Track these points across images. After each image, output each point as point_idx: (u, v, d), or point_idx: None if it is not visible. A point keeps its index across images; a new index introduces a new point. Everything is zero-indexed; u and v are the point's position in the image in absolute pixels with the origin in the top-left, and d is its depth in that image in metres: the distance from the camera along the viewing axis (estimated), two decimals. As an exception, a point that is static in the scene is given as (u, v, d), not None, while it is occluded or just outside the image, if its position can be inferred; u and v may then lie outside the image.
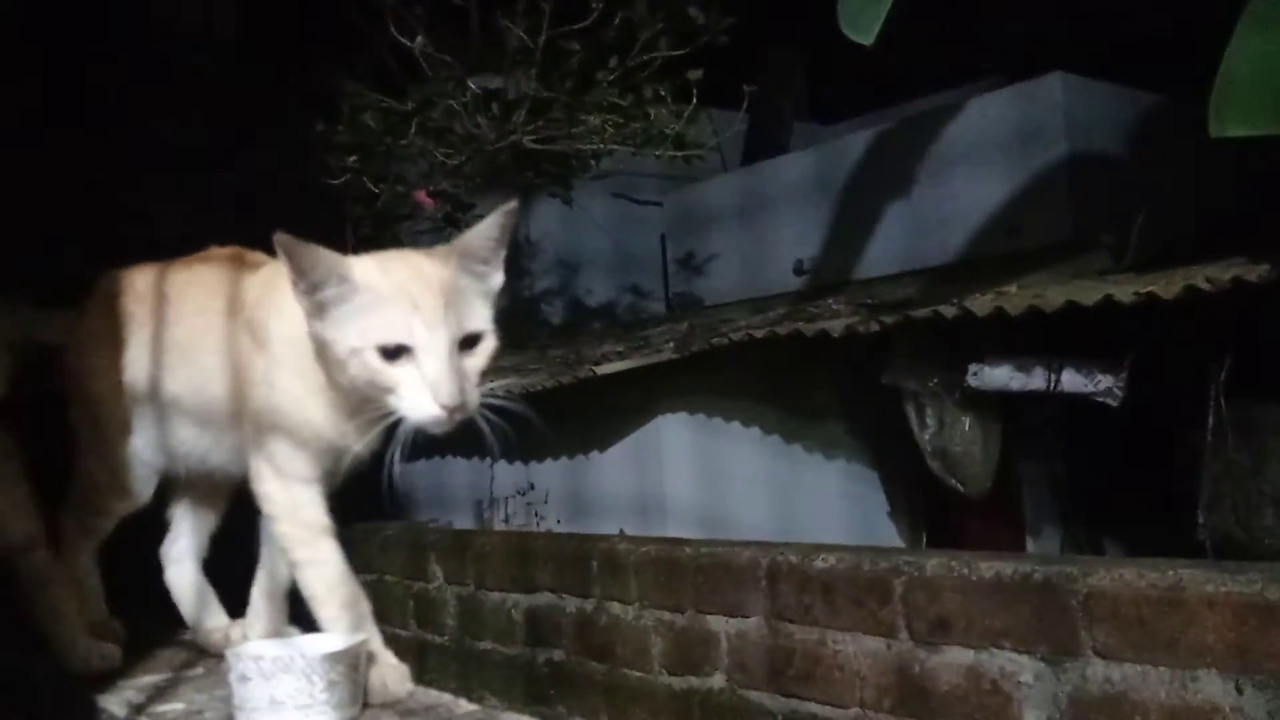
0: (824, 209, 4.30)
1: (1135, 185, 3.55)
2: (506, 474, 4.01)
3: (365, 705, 1.13)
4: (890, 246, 4.10)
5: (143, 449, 1.50)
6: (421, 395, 1.19)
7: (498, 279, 1.34)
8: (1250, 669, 1.71)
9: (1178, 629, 1.77)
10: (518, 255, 4.58)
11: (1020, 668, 1.93)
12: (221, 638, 1.52)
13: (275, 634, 1.33)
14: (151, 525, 1.50)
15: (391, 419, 1.23)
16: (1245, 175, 3.08)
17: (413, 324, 1.20)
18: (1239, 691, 1.72)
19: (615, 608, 2.60)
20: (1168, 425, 3.02)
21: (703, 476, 3.62)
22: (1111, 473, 3.34)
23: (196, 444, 1.47)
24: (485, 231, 1.30)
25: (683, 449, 3.63)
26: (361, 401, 1.24)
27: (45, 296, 1.63)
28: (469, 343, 1.26)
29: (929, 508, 3.75)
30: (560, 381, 3.39)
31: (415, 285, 1.22)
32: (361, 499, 1.34)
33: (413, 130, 2.85)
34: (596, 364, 3.39)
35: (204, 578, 1.59)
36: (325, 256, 1.22)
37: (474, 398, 1.23)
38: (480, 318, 1.28)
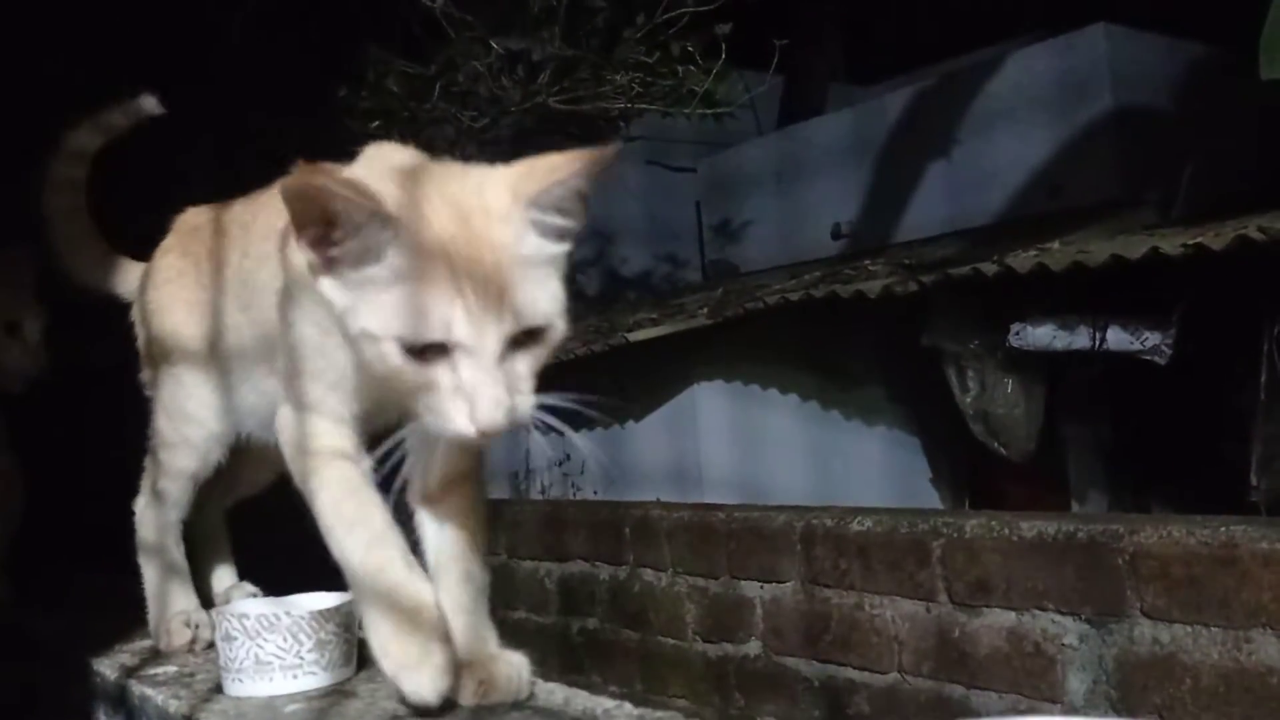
0: (862, 171, 4.21)
1: (1183, 138, 3.42)
2: (543, 445, 3.97)
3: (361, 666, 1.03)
4: (930, 208, 4.00)
5: (209, 401, 1.27)
6: (453, 408, 0.88)
7: (577, 230, 0.95)
8: (1308, 629, 1.64)
9: (1230, 588, 1.70)
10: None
11: (1064, 630, 1.87)
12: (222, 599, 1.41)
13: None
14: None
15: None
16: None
17: (453, 316, 0.87)
18: (1296, 652, 1.65)
19: (648, 575, 2.56)
20: (1218, 385, 2.92)
21: (740, 444, 3.57)
22: (1159, 435, 3.24)
23: (261, 399, 1.20)
24: (569, 178, 0.90)
25: (719, 417, 3.58)
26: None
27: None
28: (528, 336, 0.91)
29: (971, 473, 3.67)
30: (593, 349, 3.34)
31: (463, 253, 0.87)
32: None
33: (436, 94, 2.80)
34: (629, 331, 3.33)
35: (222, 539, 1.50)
36: (359, 194, 0.87)
37: (524, 408, 0.90)
38: (547, 300, 0.91)
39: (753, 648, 2.35)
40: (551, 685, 0.94)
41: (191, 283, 1.31)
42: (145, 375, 1.38)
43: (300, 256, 0.94)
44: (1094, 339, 2.87)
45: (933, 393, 3.36)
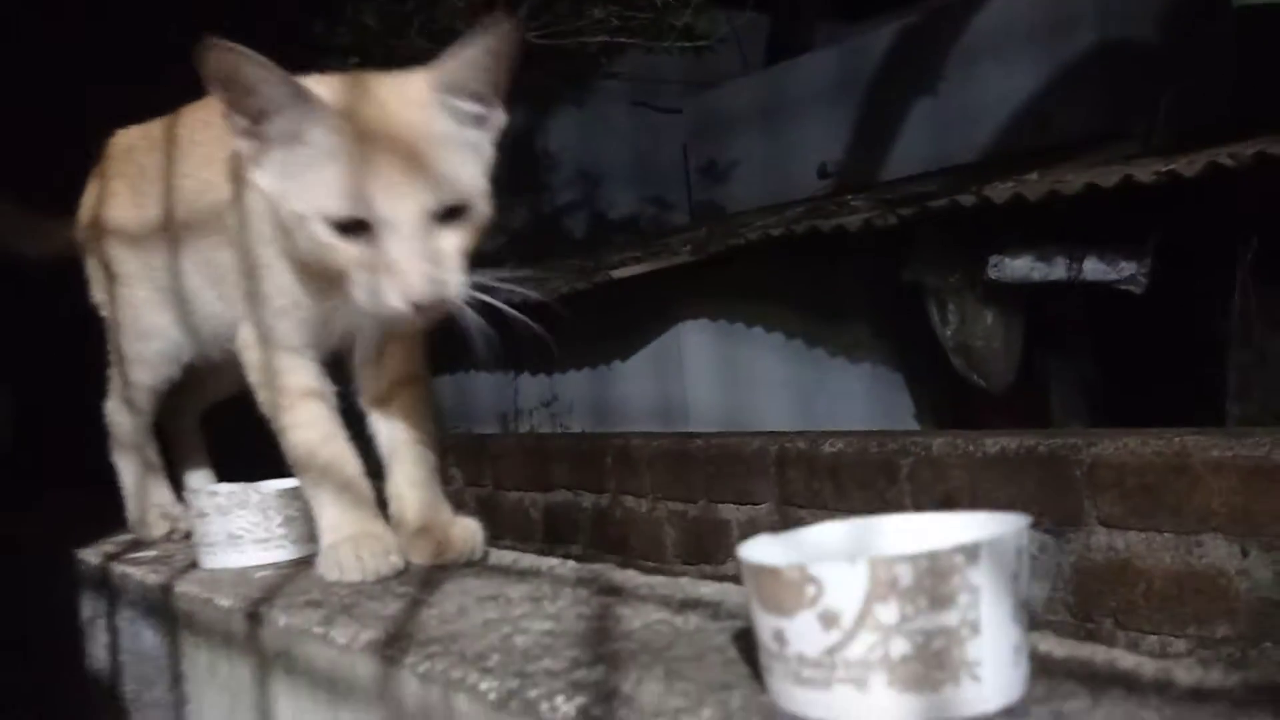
0: (848, 110, 4.24)
1: (1168, 69, 3.46)
2: (531, 386, 4.05)
3: None
4: (917, 145, 4.04)
5: (159, 319, 1.33)
6: (384, 284, 0.93)
7: (495, 119, 1.02)
8: (1256, 531, 1.72)
9: (1182, 495, 1.78)
10: (537, 168, 4.57)
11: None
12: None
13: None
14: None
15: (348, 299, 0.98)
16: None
17: (371, 191, 0.92)
18: (1244, 554, 1.73)
19: (629, 501, 2.65)
20: (1195, 313, 2.98)
21: (725, 382, 3.64)
22: (1139, 364, 3.31)
23: (207, 320, 1.24)
24: (471, 56, 0.96)
25: (704, 355, 3.64)
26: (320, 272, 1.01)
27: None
28: (451, 214, 0.96)
29: (954, 407, 3.74)
30: (575, 287, 3.40)
31: (381, 133, 0.94)
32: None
33: (414, 30, 2.84)
34: (613, 269, 3.40)
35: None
36: (277, 74, 0.93)
37: (455, 286, 0.94)
38: (467, 178, 0.97)
39: (730, 568, 2.43)
40: (503, 550, 1.02)
41: (129, 204, 1.35)
42: (98, 297, 1.43)
43: (250, 174, 1.01)
44: (1071, 270, 2.93)
45: (915, 328, 3.43)
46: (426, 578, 0.93)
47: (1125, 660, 0.53)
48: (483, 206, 0.99)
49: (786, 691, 0.51)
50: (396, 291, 0.92)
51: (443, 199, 0.94)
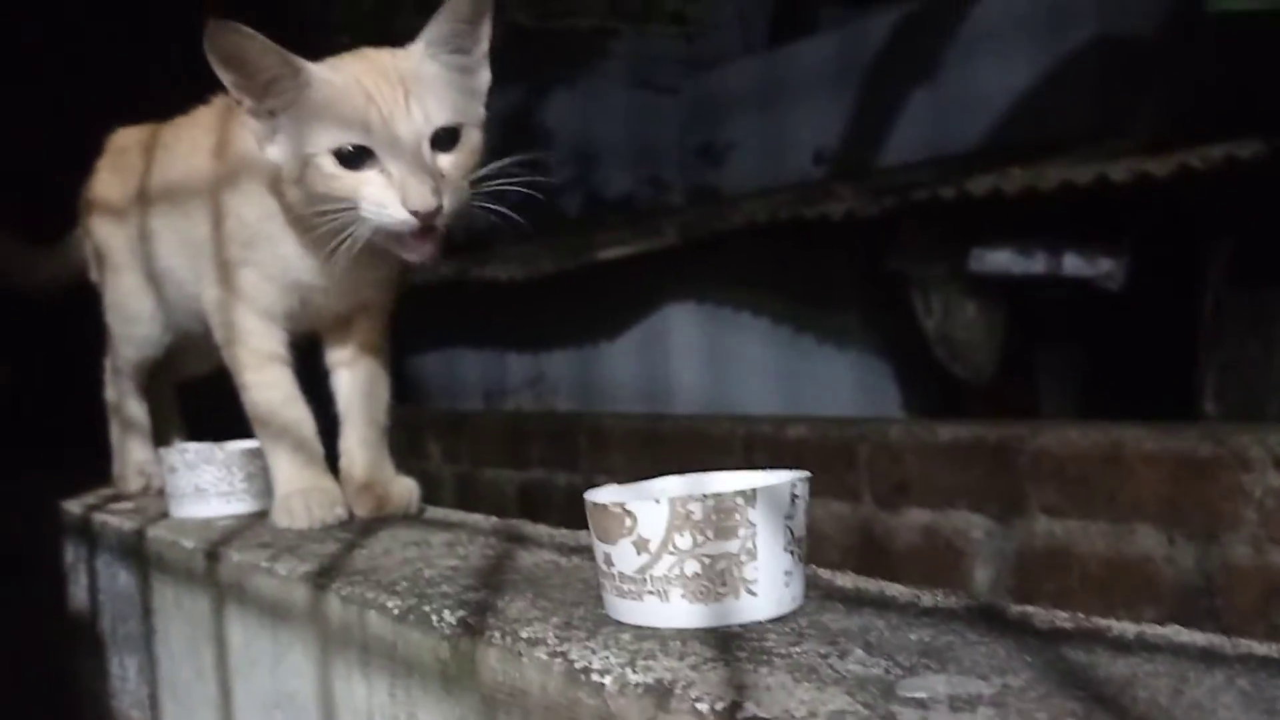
0: (846, 96, 4.37)
1: (1167, 67, 3.58)
2: (517, 364, 4.21)
3: None
4: (913, 134, 4.17)
5: (145, 304, 1.51)
6: (388, 197, 1.08)
7: (482, 77, 1.19)
8: (1181, 521, 1.88)
9: (1116, 485, 1.94)
10: (532, 144, 4.72)
11: (972, 526, 2.11)
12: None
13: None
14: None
15: (351, 229, 1.10)
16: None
17: (369, 120, 1.08)
18: (1170, 542, 1.89)
19: (602, 480, 2.80)
20: (1173, 312, 3.11)
21: (711, 366, 3.78)
22: (1124, 361, 3.44)
23: (189, 302, 1.40)
24: (453, 11, 1.13)
25: (691, 339, 3.79)
26: (322, 223, 1.13)
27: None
28: (447, 140, 1.12)
29: (940, 400, 3.88)
30: (562, 267, 3.55)
31: (371, 77, 1.09)
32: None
33: (410, 9, 2.99)
34: (599, 250, 3.55)
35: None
36: (272, 48, 1.09)
37: (457, 199, 1.11)
38: (457, 109, 1.13)
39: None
40: (439, 508, 1.18)
41: (119, 198, 1.55)
42: (94, 276, 1.64)
43: (245, 142, 1.18)
44: (1051, 265, 3.08)
45: (902, 318, 3.57)
46: (365, 526, 1.10)
47: (891, 589, 0.69)
48: (475, 132, 1.15)
49: (612, 603, 0.68)
50: (399, 202, 1.07)
51: (433, 122, 1.10)
